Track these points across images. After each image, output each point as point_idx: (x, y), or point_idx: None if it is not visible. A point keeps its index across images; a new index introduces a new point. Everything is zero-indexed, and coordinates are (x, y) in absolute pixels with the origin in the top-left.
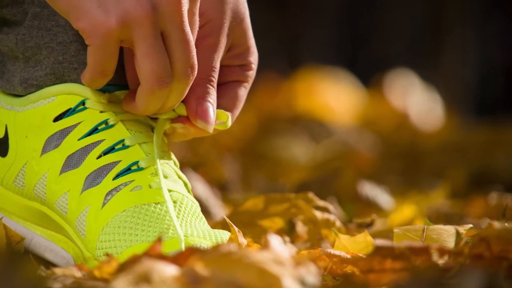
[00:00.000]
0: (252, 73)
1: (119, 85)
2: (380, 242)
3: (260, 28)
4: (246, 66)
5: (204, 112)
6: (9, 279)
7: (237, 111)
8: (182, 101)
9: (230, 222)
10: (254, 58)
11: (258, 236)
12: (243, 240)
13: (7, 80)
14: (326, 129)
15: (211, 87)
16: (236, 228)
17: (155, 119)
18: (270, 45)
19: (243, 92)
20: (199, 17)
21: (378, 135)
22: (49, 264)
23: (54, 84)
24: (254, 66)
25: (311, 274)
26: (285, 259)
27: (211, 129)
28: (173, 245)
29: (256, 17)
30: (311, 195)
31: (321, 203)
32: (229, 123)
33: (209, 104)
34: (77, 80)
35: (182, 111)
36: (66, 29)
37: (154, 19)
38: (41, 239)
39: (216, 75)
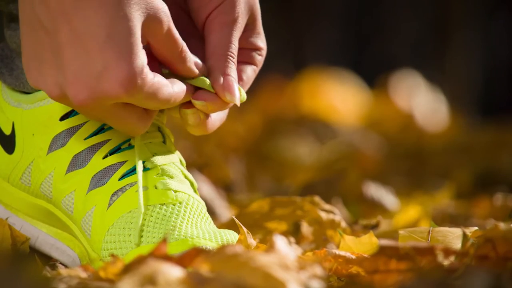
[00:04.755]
0: (261, 59)
1: None
2: (385, 242)
3: (265, 29)
4: (257, 51)
5: (230, 87)
6: (15, 279)
7: (245, 89)
8: (205, 76)
9: (240, 223)
10: (264, 44)
11: (264, 238)
12: (252, 241)
13: (16, 77)
14: (331, 130)
15: (231, 62)
16: (245, 229)
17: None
18: (275, 46)
19: (252, 73)
20: (206, 4)
21: (383, 136)
22: (54, 263)
23: None
24: (264, 51)
25: (316, 279)
26: (291, 262)
27: (238, 102)
28: (179, 246)
29: (261, 18)
30: (317, 198)
31: (327, 206)
32: (244, 97)
33: (232, 78)
34: None
35: (204, 84)
36: None
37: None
38: (47, 237)
39: (235, 51)
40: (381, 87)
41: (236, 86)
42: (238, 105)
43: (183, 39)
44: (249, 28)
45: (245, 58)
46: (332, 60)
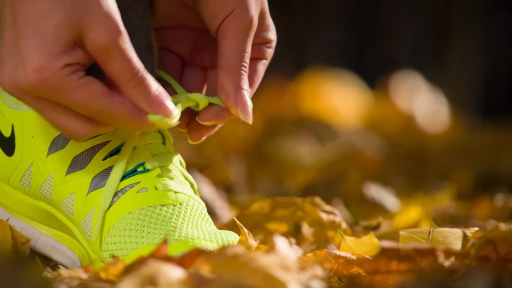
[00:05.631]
0: (271, 51)
1: None
2: (386, 243)
3: None
4: (267, 44)
5: (244, 104)
6: (15, 281)
7: (255, 88)
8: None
9: (240, 224)
10: (274, 35)
11: (265, 238)
12: (252, 242)
13: None
14: (332, 131)
15: (244, 73)
16: (246, 230)
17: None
18: (276, 47)
19: (262, 68)
20: (223, 7)
21: (384, 137)
22: (55, 264)
23: None
24: (274, 43)
25: (317, 280)
26: (291, 263)
27: (251, 120)
28: (179, 247)
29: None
30: (317, 199)
31: (327, 207)
32: (251, 106)
33: (245, 93)
34: None
35: (216, 101)
36: None
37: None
38: (47, 239)
39: (248, 59)
40: (381, 88)
41: (250, 104)
42: (251, 123)
43: (194, 43)
44: (259, 23)
45: (255, 54)
46: (333, 61)
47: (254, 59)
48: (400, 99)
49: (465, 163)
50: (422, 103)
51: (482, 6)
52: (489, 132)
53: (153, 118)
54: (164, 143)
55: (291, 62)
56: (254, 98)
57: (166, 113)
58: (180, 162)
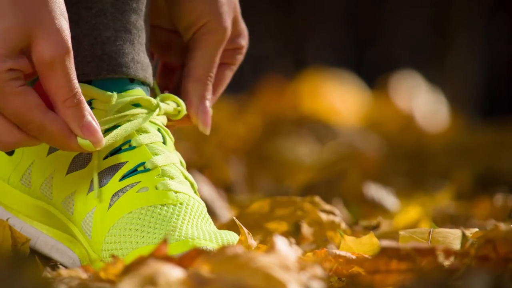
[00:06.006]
0: (241, 56)
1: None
2: (386, 243)
3: (266, 30)
4: (237, 50)
5: (205, 114)
6: (15, 280)
7: (220, 93)
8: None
9: (240, 224)
10: (245, 40)
11: (264, 238)
12: (252, 242)
13: None
14: (332, 131)
15: (210, 83)
16: (245, 230)
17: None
18: (275, 47)
19: (230, 74)
20: (198, 19)
21: (384, 136)
22: (55, 264)
23: None
24: (244, 49)
25: (317, 279)
26: (291, 263)
27: (208, 132)
28: (179, 247)
29: (262, 19)
30: (317, 198)
31: (327, 207)
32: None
33: (208, 103)
34: (90, 74)
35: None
36: (78, 23)
37: None
38: (47, 238)
39: (215, 69)
40: (381, 87)
41: (210, 115)
42: (207, 134)
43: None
44: (232, 29)
45: (224, 59)
46: (333, 60)
47: (223, 64)
48: (400, 99)
49: (465, 163)
50: (422, 103)
51: (482, 7)
52: (489, 132)
53: (81, 142)
54: (164, 143)
55: (290, 62)
56: (254, 97)
57: (96, 140)
58: (180, 162)
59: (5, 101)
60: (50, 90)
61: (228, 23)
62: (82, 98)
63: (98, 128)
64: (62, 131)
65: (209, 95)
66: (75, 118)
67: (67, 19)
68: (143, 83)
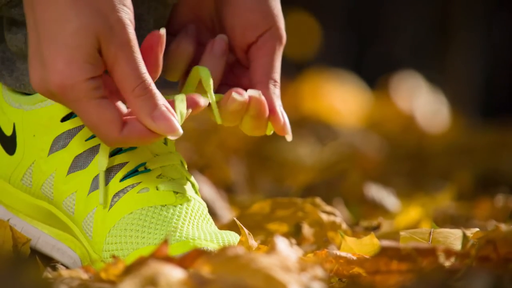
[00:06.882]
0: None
1: None
2: (387, 243)
3: None
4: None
5: (286, 122)
6: (16, 281)
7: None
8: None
9: (241, 225)
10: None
11: (265, 239)
12: (253, 243)
13: (17, 78)
14: (332, 131)
15: (277, 87)
16: (246, 231)
17: None
18: None
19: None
20: (262, 21)
21: (384, 137)
22: (55, 264)
23: None
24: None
25: (318, 280)
26: (292, 264)
27: (291, 137)
28: (180, 247)
29: None
30: (318, 200)
31: (328, 208)
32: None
33: (279, 108)
34: None
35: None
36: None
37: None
38: (48, 238)
39: (279, 74)
40: (382, 88)
41: (286, 121)
42: (291, 139)
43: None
44: None
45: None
46: (333, 61)
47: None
48: (400, 99)
49: (466, 163)
50: (422, 103)
51: (483, 6)
52: (489, 132)
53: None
54: (165, 143)
55: (291, 62)
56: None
57: (170, 130)
58: (181, 162)
59: (81, 109)
60: (118, 81)
61: (282, 30)
62: (153, 87)
63: (173, 117)
64: (142, 138)
65: (278, 100)
66: (146, 109)
67: (128, 4)
68: None
